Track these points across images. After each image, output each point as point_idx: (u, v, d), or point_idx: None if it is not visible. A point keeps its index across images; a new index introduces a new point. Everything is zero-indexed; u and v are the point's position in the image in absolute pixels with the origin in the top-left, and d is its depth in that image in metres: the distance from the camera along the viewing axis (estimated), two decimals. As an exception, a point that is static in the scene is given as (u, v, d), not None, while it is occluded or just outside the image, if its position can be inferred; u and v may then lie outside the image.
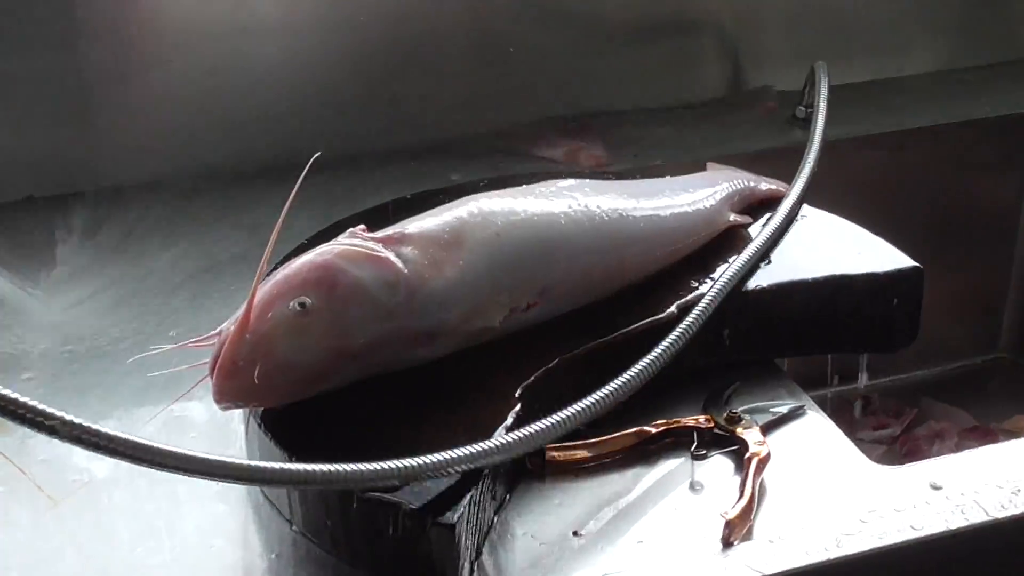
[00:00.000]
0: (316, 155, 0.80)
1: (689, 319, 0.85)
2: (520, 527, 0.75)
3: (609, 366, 0.82)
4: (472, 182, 0.95)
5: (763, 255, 0.95)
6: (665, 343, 0.82)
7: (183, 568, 0.74)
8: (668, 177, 1.04)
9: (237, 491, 0.80)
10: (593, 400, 0.75)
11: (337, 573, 0.73)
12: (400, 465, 0.65)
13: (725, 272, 0.90)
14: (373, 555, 0.71)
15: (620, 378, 0.77)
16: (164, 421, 0.81)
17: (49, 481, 0.80)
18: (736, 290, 0.90)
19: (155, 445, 0.60)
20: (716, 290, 0.88)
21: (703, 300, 0.86)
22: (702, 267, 0.94)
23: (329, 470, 0.64)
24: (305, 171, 0.76)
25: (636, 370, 0.79)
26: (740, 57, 1.33)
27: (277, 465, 0.66)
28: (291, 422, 0.76)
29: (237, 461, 0.64)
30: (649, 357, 0.80)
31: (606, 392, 0.76)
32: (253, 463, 0.65)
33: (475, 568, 0.71)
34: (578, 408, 0.74)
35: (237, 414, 0.83)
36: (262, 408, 0.77)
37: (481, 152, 1.23)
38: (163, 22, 1.16)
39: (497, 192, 0.88)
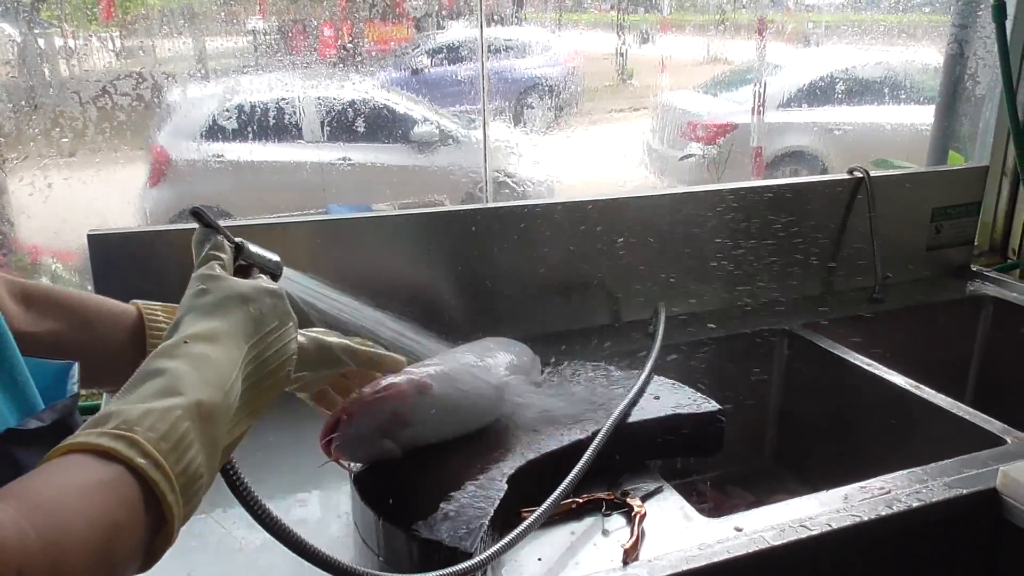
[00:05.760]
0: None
1: (595, 441, 0.84)
2: (507, 555, 0.74)
3: (556, 464, 0.82)
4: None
5: (632, 403, 0.93)
6: (582, 460, 0.81)
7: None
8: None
9: (348, 536, 0.79)
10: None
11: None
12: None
13: (613, 413, 0.90)
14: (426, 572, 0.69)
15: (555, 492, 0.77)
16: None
17: (238, 530, 0.79)
18: (622, 423, 0.90)
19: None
20: (608, 424, 0.87)
21: (602, 430, 0.86)
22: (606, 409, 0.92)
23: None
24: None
25: (568, 479, 0.79)
26: (618, 302, 1.29)
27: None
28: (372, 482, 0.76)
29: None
30: (572, 473, 0.79)
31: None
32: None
33: (484, 579, 0.71)
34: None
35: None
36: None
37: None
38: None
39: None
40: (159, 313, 0.71)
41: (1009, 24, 1.51)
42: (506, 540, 0.71)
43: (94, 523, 0.40)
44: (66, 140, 1.11)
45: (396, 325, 0.82)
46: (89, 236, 0.99)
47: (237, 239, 0.65)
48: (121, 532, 0.42)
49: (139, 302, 0.72)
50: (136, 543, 0.44)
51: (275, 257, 0.68)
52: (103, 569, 0.41)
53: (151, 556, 0.46)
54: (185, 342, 0.53)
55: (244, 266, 0.65)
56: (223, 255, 0.63)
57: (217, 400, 0.51)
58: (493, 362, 0.91)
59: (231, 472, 0.56)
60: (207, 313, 0.56)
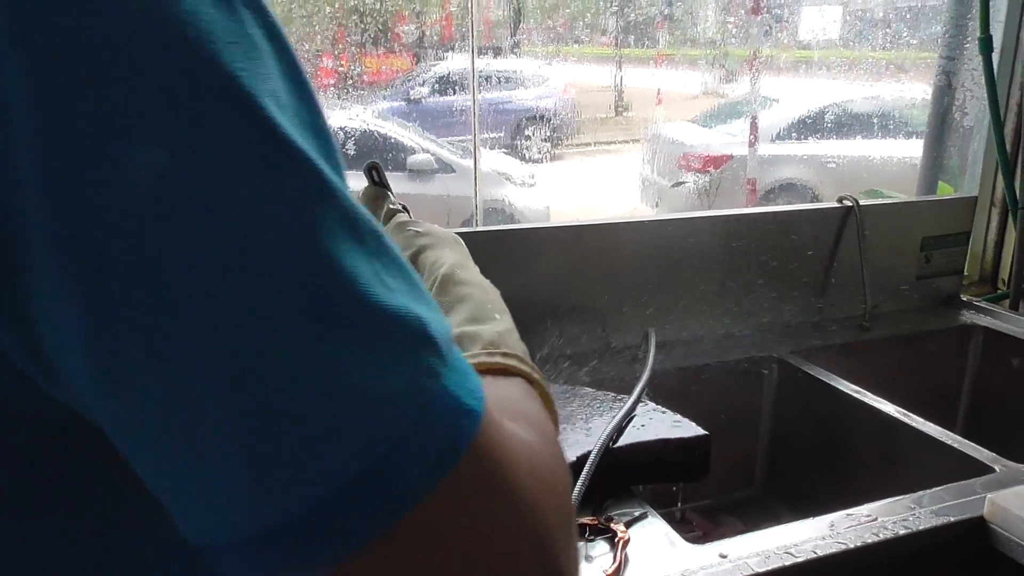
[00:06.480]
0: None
1: (586, 468, 0.83)
2: (489, 580, 0.73)
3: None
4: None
5: (620, 428, 0.92)
6: (575, 489, 0.80)
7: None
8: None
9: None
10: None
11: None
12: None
13: (600, 438, 0.88)
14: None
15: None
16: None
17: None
18: (609, 447, 0.88)
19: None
20: (596, 449, 0.86)
21: (591, 455, 0.85)
22: (585, 429, 0.91)
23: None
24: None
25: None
26: (608, 326, 1.27)
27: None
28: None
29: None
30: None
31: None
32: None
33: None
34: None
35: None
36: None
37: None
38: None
39: None
40: None
41: (996, 57, 1.53)
42: None
43: (547, 424, 0.39)
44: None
45: None
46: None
47: (400, 202, 0.69)
48: (553, 437, 0.40)
49: None
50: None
51: None
52: (564, 471, 0.38)
53: None
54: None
55: None
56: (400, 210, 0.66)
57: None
58: None
59: None
60: (440, 247, 0.58)
